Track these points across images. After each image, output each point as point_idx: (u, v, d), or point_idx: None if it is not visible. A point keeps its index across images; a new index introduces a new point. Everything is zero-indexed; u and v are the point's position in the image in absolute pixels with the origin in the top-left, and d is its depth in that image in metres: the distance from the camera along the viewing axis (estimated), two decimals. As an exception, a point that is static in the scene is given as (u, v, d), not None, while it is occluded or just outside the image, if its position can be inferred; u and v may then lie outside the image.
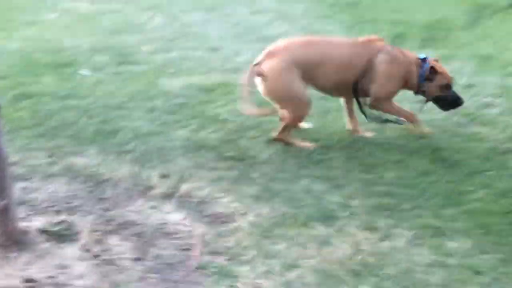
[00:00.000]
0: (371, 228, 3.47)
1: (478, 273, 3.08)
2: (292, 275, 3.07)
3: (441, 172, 4.15)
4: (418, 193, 3.87)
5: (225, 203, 3.70)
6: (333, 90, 4.76)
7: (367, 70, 4.56)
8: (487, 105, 5.41)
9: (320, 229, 3.47)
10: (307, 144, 4.53)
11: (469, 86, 5.84)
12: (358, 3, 9.22)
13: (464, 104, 5.31)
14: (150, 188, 3.84)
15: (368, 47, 4.66)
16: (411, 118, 4.75)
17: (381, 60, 4.58)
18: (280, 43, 4.63)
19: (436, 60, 4.79)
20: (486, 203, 3.72)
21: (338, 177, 4.05)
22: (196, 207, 3.67)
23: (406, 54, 4.72)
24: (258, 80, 4.49)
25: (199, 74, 5.98)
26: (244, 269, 3.09)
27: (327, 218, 3.58)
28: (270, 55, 4.47)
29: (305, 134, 4.70)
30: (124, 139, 4.48)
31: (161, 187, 3.84)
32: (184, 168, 4.10)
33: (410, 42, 6.87)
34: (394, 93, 4.74)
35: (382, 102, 4.69)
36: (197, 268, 3.10)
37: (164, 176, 3.98)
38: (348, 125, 4.82)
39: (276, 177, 4.04)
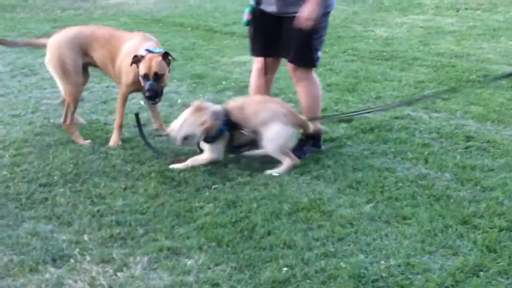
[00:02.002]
0: (106, 261, 3.34)
1: (215, 285, 3.11)
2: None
3: (170, 192, 4.16)
4: (150, 217, 3.82)
5: None
6: (107, 71, 5.16)
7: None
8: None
9: (52, 271, 3.24)
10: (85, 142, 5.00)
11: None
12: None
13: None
14: None
15: (133, 37, 5.06)
16: (117, 124, 5.05)
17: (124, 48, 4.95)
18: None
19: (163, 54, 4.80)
20: (215, 216, 3.80)
21: (65, 214, 3.85)
22: None
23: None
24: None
25: None
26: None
27: (58, 258, 3.37)
28: (56, 32, 5.16)
29: (24, 173, 4.41)
30: None
31: None
32: None
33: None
34: (129, 81, 4.94)
35: (120, 88, 5.06)
36: None
37: None
38: (155, 124, 5.32)
39: (-5, 224, 3.71)
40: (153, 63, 4.69)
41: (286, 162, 4.49)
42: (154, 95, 4.74)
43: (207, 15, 11.44)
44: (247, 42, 8.82)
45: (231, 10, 11.85)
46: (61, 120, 5.14)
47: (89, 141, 5.03)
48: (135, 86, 4.96)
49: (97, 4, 13.03)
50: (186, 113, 4.55)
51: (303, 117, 4.68)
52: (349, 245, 3.46)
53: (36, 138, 5.13)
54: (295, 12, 4.48)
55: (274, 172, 4.45)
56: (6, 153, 4.79)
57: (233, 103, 4.69)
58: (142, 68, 4.70)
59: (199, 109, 4.53)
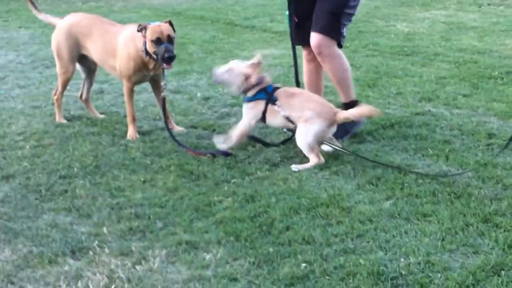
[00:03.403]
0: (124, 254, 3.34)
1: (233, 280, 3.10)
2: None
3: (189, 186, 4.16)
4: (168, 210, 3.82)
5: (-42, 253, 3.30)
6: (104, 66, 5.26)
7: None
8: (225, 115, 5.59)
9: (71, 263, 3.26)
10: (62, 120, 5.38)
11: (206, 98, 6.00)
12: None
13: (204, 116, 5.49)
14: None
15: (120, 27, 5.22)
16: (129, 118, 5.09)
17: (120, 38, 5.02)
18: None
19: (168, 22, 4.93)
20: (234, 211, 3.79)
21: (84, 206, 3.86)
22: None
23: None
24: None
25: None
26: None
27: (77, 250, 3.38)
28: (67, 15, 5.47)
29: (44, 164, 4.44)
30: None
31: None
32: None
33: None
34: (130, 72, 4.97)
35: (124, 84, 5.06)
36: None
37: None
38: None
39: (16, 216, 3.74)
40: (163, 27, 4.82)
41: (312, 161, 4.48)
42: (173, 55, 4.77)
43: (227, 8, 11.42)
44: (267, 35, 8.83)
45: (252, 3, 11.81)
46: (53, 92, 5.50)
47: (64, 121, 5.36)
48: (138, 76, 5.01)
49: (118, -4, 13.07)
50: (240, 63, 4.80)
51: (341, 116, 4.59)
52: (368, 241, 3.43)
53: (56, 129, 5.16)
54: None
55: (297, 167, 4.45)
56: (27, 144, 4.82)
57: (286, 89, 4.81)
58: (153, 33, 4.75)
59: (254, 66, 4.72)
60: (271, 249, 3.34)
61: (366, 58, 7.60)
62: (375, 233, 3.51)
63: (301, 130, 4.53)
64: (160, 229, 3.60)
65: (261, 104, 4.66)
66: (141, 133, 5.11)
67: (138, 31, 4.81)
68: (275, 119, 4.67)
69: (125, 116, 5.45)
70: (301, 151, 4.55)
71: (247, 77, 4.65)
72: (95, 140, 4.94)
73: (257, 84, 4.68)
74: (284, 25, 9.68)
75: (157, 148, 4.79)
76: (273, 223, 3.63)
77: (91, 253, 3.35)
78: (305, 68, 5.29)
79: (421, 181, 4.15)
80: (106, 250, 3.37)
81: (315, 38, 4.91)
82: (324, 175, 4.32)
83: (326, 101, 4.74)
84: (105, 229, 3.59)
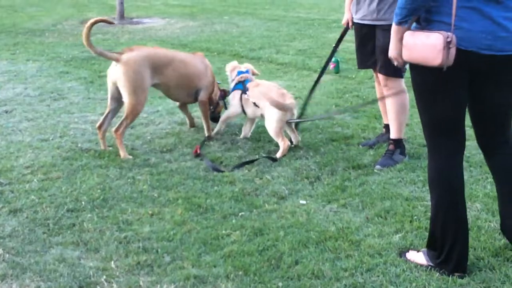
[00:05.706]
0: (132, 289, 3.33)
1: (242, 316, 3.08)
2: None
3: (197, 219, 4.15)
4: (176, 244, 3.80)
5: (-34, 289, 3.29)
6: (176, 90, 5.74)
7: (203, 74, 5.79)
8: (233, 147, 5.59)
9: (78, 299, 3.24)
10: (127, 156, 5.30)
11: (213, 130, 6.00)
12: (95, 57, 9.13)
13: (212, 148, 5.50)
14: None
15: (202, 57, 5.96)
16: (209, 132, 5.83)
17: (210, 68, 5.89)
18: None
19: None
20: (242, 244, 3.77)
21: (92, 240, 3.85)
22: None
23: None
24: (114, 66, 5.33)
25: None
26: None
27: (85, 285, 3.36)
28: (128, 49, 5.46)
29: (52, 198, 4.43)
30: None
31: None
32: None
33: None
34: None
35: (206, 103, 5.87)
36: None
37: None
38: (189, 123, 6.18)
39: (23, 250, 3.72)
40: None
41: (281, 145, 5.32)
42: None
43: (233, 40, 11.49)
44: (273, 67, 8.86)
45: (257, 35, 11.89)
46: (114, 129, 5.46)
47: (130, 156, 5.31)
48: None
49: (124, 29, 13.18)
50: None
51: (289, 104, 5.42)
52: (378, 276, 3.40)
53: (64, 162, 5.17)
54: (387, 20, 4.73)
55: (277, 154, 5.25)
56: (34, 178, 4.82)
57: (256, 81, 5.78)
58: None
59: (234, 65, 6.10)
60: (280, 284, 3.32)
61: (372, 90, 7.59)
62: (385, 267, 3.48)
63: (266, 117, 5.43)
64: (168, 264, 3.58)
65: (238, 94, 5.68)
66: (148, 165, 5.11)
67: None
68: (248, 108, 5.61)
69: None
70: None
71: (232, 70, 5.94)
72: (103, 173, 4.94)
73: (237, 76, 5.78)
74: (289, 56, 9.75)
75: (164, 180, 4.79)
76: (281, 257, 3.61)
77: (98, 288, 3.33)
78: (377, 89, 5.55)
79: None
80: (114, 285, 3.35)
81: (381, 77, 5.11)
82: (332, 208, 4.31)
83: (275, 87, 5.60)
84: (113, 264, 3.57)
